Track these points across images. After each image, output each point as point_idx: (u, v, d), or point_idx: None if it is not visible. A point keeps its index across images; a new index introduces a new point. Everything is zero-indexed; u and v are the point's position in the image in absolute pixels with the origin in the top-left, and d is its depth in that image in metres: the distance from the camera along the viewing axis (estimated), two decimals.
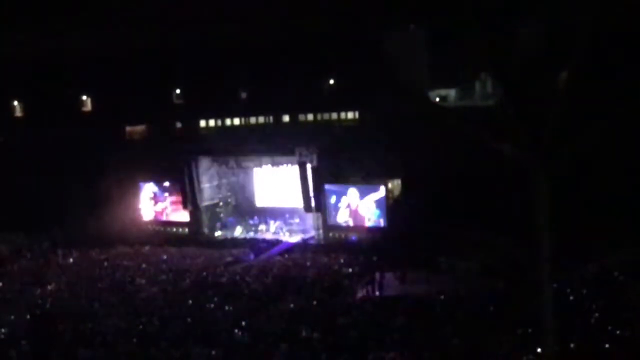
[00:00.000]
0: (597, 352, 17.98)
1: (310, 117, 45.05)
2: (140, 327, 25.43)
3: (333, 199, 41.61)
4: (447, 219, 33.49)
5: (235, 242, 43.33)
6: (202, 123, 48.63)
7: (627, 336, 19.19)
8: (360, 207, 41.00)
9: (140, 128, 51.02)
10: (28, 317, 27.86)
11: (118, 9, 41.94)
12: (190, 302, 28.96)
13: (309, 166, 41.35)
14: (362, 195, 40.94)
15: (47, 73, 48.08)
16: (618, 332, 19.59)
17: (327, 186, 41.57)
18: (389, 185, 40.77)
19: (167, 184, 47.10)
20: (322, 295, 28.79)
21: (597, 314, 21.58)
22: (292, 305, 27.23)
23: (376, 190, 40.54)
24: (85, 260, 39.87)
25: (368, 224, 40.91)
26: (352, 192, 41.19)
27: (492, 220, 30.66)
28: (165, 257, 39.75)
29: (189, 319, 25.82)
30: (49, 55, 47.04)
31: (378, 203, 40.53)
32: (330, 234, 41.98)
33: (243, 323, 24.49)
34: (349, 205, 41.29)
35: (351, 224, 41.40)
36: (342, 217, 41.57)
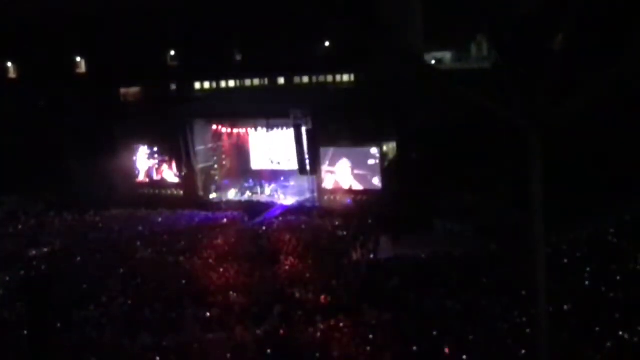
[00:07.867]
0: (590, 314, 18.08)
1: (305, 79, 44.77)
2: (136, 288, 25.53)
3: (327, 162, 41.46)
4: (441, 181, 33.57)
5: (230, 205, 43.31)
6: (197, 85, 48.33)
7: (620, 298, 19.30)
8: (356, 170, 40.91)
9: (134, 90, 50.71)
10: (23, 279, 27.92)
11: None
12: (185, 264, 29.03)
13: (304, 129, 41.17)
14: (357, 157, 40.83)
15: (41, 34, 47.66)
16: (611, 294, 19.70)
17: (322, 150, 41.39)
18: (384, 147, 40.64)
19: (160, 146, 46.86)
20: (316, 257, 28.86)
21: (590, 277, 21.68)
22: (286, 267, 27.33)
23: (371, 152, 40.44)
24: (80, 222, 39.87)
25: (363, 186, 40.85)
26: (347, 154, 41.08)
27: (486, 183, 30.82)
28: (160, 219, 39.75)
29: (183, 281, 25.92)
30: (42, 16, 46.61)
31: (373, 165, 40.45)
32: (326, 197, 41.92)
33: (238, 285, 24.58)
34: (344, 168, 41.19)
35: (346, 186, 41.30)
36: (338, 180, 41.48)
